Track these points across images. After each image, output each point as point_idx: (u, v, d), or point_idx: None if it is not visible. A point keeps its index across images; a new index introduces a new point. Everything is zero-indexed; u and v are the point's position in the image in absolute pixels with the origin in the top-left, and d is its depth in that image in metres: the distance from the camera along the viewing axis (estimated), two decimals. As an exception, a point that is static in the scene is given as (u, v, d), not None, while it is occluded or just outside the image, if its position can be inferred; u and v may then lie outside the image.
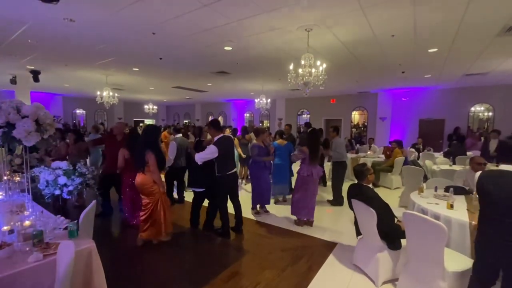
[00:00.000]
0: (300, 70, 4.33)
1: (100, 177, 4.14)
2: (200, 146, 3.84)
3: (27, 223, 1.93)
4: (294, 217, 4.22)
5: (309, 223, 4.13)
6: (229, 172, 3.61)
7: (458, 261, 2.26)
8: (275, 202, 5.22)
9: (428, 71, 7.48)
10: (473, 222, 2.47)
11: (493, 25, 4.11)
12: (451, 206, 2.81)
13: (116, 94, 9.16)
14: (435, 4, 3.43)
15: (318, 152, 4.10)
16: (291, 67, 4.44)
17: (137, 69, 7.57)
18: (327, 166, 6.53)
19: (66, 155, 4.56)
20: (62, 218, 2.18)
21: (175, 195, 5.24)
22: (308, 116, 14.66)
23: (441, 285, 2.10)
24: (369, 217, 2.56)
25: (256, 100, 10.36)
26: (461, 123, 10.51)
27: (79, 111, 15.70)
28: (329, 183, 6.02)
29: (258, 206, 4.64)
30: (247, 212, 4.57)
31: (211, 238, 3.69)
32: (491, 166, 5.34)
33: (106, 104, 9.10)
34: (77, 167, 3.50)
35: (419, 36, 4.58)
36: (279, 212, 4.74)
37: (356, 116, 13.41)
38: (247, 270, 2.90)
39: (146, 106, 15.04)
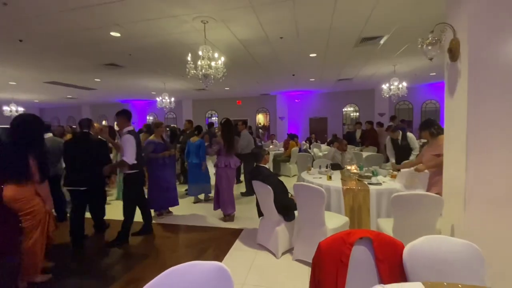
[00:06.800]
0: (199, 62, 4.26)
1: None
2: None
3: None
4: (203, 213, 4.09)
5: (232, 217, 4.02)
6: (143, 168, 3.41)
7: (335, 219, 2.69)
8: (194, 202, 4.97)
9: (312, 75, 8.84)
10: (345, 187, 3.01)
11: (351, 37, 5.22)
12: (330, 178, 3.35)
13: None
14: (308, 12, 4.03)
15: (233, 142, 4.03)
16: (189, 58, 4.31)
17: (-17, 54, 5.70)
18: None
19: None
20: None
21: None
22: (216, 118, 14.81)
23: (325, 241, 2.44)
24: (267, 194, 2.73)
25: (158, 99, 9.61)
26: (338, 120, 12.98)
27: None
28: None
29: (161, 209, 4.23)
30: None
31: (99, 251, 3.11)
32: (355, 149, 6.82)
33: None
34: None
35: (302, 40, 5.31)
36: (193, 210, 4.52)
37: (261, 117, 14.49)
38: (145, 275, 2.57)
39: (6, 108, 11.54)
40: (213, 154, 4.07)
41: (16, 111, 11.53)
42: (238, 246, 3.13)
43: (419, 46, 2.12)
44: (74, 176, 3.12)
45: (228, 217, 3.99)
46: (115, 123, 3.37)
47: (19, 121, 2.41)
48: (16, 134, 2.37)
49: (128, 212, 3.29)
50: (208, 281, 1.04)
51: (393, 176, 3.39)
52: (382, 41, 5.46)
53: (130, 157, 3.04)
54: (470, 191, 1.98)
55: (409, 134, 4.74)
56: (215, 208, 4.07)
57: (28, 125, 2.43)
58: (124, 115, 3.29)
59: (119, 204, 4.78)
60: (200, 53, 4.22)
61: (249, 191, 5.29)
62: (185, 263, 1.04)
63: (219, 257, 2.87)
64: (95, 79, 8.52)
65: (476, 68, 1.92)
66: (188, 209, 4.62)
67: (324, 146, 7.90)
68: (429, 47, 2.04)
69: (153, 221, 4.01)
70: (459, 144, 2.04)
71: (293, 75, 8.57)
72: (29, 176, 2.29)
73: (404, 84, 7.52)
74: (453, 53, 2.03)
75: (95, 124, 3.45)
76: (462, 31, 2.00)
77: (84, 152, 3.15)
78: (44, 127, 2.72)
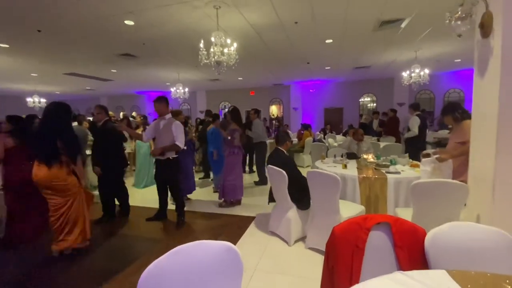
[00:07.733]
0: (211, 49, 4.20)
1: None
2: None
3: None
4: (216, 200, 4.12)
5: (238, 202, 4.07)
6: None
7: (350, 208, 2.60)
8: (214, 192, 4.96)
9: (327, 63, 8.55)
10: (361, 176, 2.90)
11: (369, 20, 4.95)
12: (345, 166, 3.24)
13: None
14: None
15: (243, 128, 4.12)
16: (201, 45, 4.26)
17: (6, 46, 5.91)
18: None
19: None
20: None
21: None
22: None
23: (339, 229, 2.37)
24: (281, 179, 2.68)
25: (172, 90, 9.68)
26: (354, 111, 12.59)
27: None
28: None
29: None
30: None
31: (112, 235, 3.21)
32: (372, 139, 6.59)
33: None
34: None
35: (317, 25, 5.11)
36: (207, 197, 4.59)
37: (274, 108, 14.34)
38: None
39: (29, 99, 12.05)
40: (237, 143, 4.01)
41: (39, 102, 12.02)
42: (250, 233, 3.12)
43: (447, 21, 1.95)
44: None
45: (232, 203, 4.06)
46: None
47: (47, 109, 2.56)
48: (44, 121, 2.54)
49: (178, 192, 3.47)
50: (216, 261, 1.01)
51: (413, 165, 3.23)
52: (403, 25, 5.15)
53: (182, 142, 3.20)
54: (499, 180, 1.83)
55: (414, 117, 5.10)
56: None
57: (55, 113, 2.56)
58: (164, 102, 3.32)
59: (140, 192, 4.95)
60: (212, 39, 4.15)
61: (262, 180, 5.27)
62: (193, 242, 1.02)
63: (231, 242, 2.87)
64: (112, 70, 8.68)
65: (511, 45, 1.74)
66: (202, 195, 4.67)
67: (339, 137, 7.71)
68: (458, 22, 1.87)
69: (168, 207, 4.10)
70: (489, 129, 1.88)
71: (308, 63, 8.34)
72: (58, 160, 2.47)
73: (426, 71, 7.13)
74: (485, 28, 1.85)
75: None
76: (496, 3, 1.81)
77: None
78: (71, 114, 2.79)
